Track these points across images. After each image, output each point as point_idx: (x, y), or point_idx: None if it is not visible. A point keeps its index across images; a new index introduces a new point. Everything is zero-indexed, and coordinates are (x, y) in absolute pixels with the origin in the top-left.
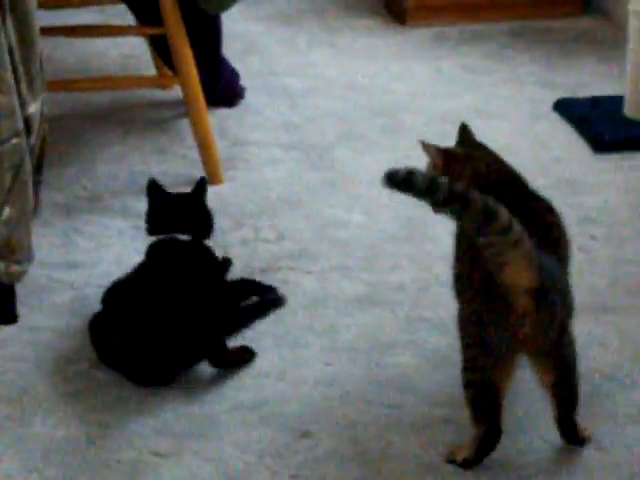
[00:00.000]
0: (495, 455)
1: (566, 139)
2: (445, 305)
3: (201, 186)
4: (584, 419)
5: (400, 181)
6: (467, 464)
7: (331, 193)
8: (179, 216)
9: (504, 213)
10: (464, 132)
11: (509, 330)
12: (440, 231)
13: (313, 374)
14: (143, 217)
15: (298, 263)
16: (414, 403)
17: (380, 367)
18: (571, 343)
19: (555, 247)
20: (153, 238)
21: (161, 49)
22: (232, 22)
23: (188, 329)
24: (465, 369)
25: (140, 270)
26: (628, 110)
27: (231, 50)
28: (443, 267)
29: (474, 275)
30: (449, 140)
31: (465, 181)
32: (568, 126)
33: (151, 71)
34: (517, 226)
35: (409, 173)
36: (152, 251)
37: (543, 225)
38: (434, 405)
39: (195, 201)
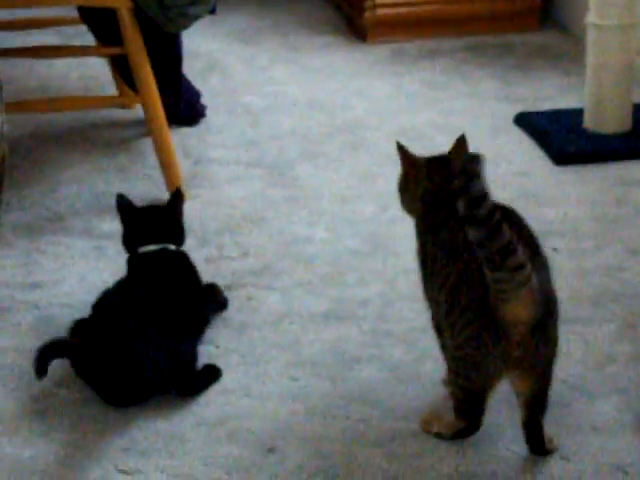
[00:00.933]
0: (460, 464)
1: (527, 152)
2: (409, 319)
3: (176, 197)
4: (549, 428)
5: (472, 173)
6: (439, 437)
7: (294, 210)
8: (155, 228)
9: (521, 250)
10: (461, 144)
11: (503, 355)
12: (403, 246)
13: (278, 389)
14: (106, 237)
15: (262, 280)
16: (379, 417)
17: (345, 381)
18: (556, 356)
19: (537, 255)
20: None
21: (122, 69)
22: (192, 41)
23: (169, 358)
24: (456, 373)
25: (127, 284)
26: (588, 122)
27: (191, 69)
28: (407, 281)
29: (470, 302)
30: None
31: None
32: (529, 139)
33: (112, 91)
34: (529, 266)
35: (479, 175)
36: (136, 264)
37: (524, 235)
38: (399, 419)
39: (169, 212)
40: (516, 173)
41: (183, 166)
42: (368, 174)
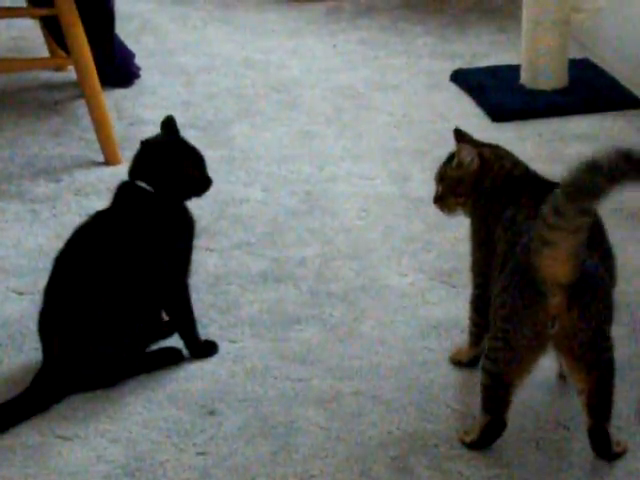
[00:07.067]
0: (401, 422)
1: (464, 109)
2: (348, 278)
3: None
4: None
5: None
6: (474, 446)
7: (230, 170)
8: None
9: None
10: (461, 135)
11: (536, 329)
12: (340, 205)
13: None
14: (40, 200)
15: (199, 241)
16: (320, 377)
17: (285, 342)
18: (609, 349)
19: (599, 244)
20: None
21: (53, 30)
22: (124, 1)
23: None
24: (485, 357)
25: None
26: (524, 79)
27: (124, 30)
28: (345, 240)
29: (512, 266)
30: (346, 113)
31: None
32: (466, 96)
33: (43, 53)
34: (589, 217)
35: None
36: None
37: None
38: (340, 378)
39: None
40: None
41: (117, 128)
42: (304, 133)
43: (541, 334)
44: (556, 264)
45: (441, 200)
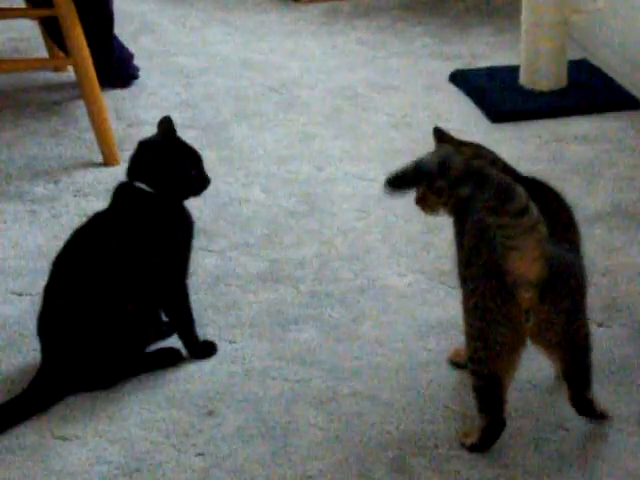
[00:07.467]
0: (401, 423)
1: (463, 110)
2: (347, 279)
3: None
4: None
5: (406, 177)
6: (474, 449)
7: (229, 171)
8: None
9: (522, 195)
10: (441, 134)
11: (512, 325)
12: (339, 206)
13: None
14: (39, 201)
15: (198, 242)
16: (318, 377)
17: (284, 342)
18: (583, 326)
19: (566, 231)
20: None
21: (52, 30)
22: (123, 2)
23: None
24: (470, 359)
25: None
26: (523, 80)
27: (124, 30)
28: (344, 241)
29: (479, 265)
30: (345, 114)
31: None
32: (465, 97)
33: (42, 53)
34: (534, 211)
35: (414, 164)
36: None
37: (554, 209)
38: (338, 379)
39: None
40: (452, 131)
41: (116, 128)
42: (303, 134)
43: (517, 329)
44: (525, 264)
45: (423, 200)
